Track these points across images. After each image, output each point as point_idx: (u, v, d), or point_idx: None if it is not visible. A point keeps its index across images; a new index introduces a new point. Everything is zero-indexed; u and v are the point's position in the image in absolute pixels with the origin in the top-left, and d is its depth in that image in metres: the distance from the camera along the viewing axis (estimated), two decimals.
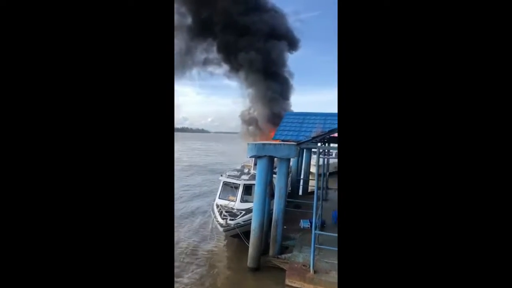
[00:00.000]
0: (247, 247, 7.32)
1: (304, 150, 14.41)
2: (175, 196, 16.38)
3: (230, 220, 7.72)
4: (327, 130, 7.80)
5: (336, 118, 10.20)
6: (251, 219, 7.52)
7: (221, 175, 9.97)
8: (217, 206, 8.84)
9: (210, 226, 9.34)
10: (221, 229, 7.62)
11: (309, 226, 9.02)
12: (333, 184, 19.58)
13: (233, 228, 7.64)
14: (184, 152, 43.88)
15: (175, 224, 10.43)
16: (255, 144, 7.15)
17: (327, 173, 12.10)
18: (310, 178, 15.06)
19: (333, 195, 13.64)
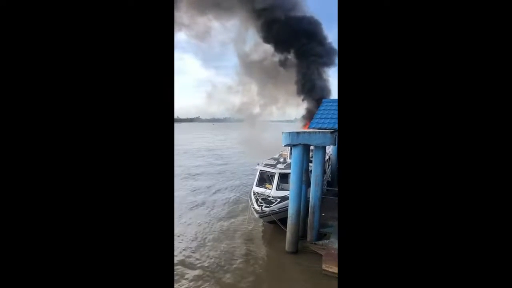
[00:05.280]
0: (284, 233, 7.59)
1: None
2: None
3: (265, 207, 8.04)
4: None
5: None
6: (286, 207, 7.73)
7: (258, 164, 10.31)
8: (254, 193, 9.25)
9: (249, 212, 9.82)
10: (256, 215, 8.01)
11: None
12: None
13: (268, 215, 7.96)
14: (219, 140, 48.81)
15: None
16: (290, 132, 7.26)
17: None
18: None
19: None
